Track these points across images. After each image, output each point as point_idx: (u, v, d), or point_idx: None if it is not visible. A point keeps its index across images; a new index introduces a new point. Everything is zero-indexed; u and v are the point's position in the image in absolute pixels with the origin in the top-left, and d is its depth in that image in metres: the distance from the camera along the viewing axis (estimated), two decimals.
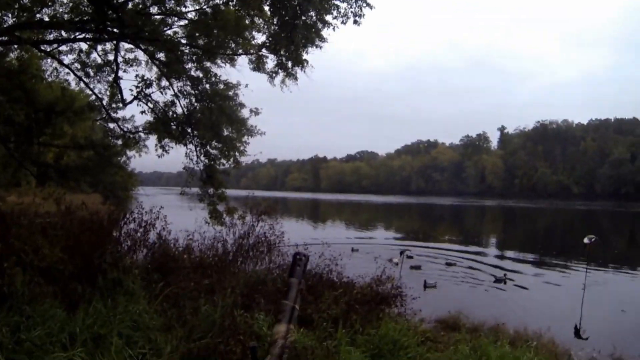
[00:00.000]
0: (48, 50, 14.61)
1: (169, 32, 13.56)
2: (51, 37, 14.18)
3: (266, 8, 12.75)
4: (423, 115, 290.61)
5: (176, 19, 13.54)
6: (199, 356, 5.82)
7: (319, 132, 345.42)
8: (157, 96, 14.56)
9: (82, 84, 15.79)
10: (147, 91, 14.25)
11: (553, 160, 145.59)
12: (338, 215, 79.32)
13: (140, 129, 15.61)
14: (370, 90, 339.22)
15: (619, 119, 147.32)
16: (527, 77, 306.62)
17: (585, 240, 21.92)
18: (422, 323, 11.86)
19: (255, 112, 14.74)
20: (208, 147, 14.91)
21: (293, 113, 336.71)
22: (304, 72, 13.62)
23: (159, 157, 14.83)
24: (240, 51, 13.97)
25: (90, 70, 14.97)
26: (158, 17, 13.42)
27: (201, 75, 14.26)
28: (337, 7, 12.42)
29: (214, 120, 14.16)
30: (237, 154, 14.97)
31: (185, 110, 14.57)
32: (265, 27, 13.43)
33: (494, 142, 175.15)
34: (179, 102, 14.59)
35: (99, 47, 14.91)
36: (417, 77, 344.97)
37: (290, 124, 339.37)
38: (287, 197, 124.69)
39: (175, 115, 14.68)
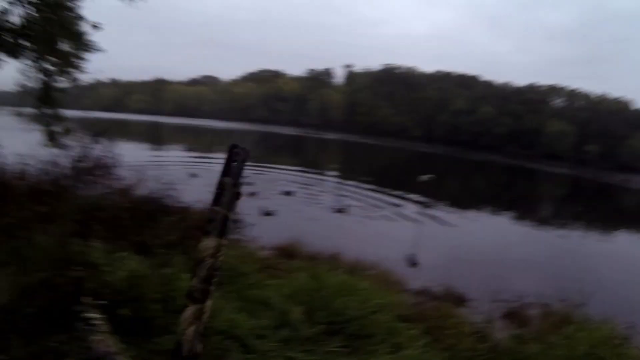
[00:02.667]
0: None
1: None
2: None
3: None
4: (271, 46, 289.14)
5: None
6: (35, 290, 5.58)
7: (165, 54, 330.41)
8: None
9: None
10: None
11: (397, 103, 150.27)
12: (179, 138, 78.05)
13: None
14: (221, 16, 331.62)
15: (462, 74, 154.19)
16: (378, 23, 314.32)
17: (420, 179, 23.32)
18: (261, 250, 12.17)
19: (96, 26, 13.93)
20: (44, 62, 13.99)
21: (140, 32, 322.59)
22: None
23: None
24: None
25: None
26: None
27: None
28: None
29: (52, 32, 13.23)
30: (75, 70, 14.15)
31: (21, 20, 13.50)
32: None
33: (339, 79, 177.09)
34: (15, 10, 13.48)
35: None
36: (269, 9, 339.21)
37: (136, 43, 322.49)
38: (129, 119, 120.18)
39: (9, 25, 13.57)
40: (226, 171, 2.17)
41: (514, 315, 10.68)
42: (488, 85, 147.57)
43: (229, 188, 2.14)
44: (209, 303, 2.13)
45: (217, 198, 2.16)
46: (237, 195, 2.17)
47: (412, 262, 15.50)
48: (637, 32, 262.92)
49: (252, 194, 23.31)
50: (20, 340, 5.00)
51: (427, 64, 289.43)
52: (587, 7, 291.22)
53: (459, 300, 11.70)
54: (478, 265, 16.88)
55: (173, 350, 3.81)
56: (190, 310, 2.11)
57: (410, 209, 26.39)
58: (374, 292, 8.15)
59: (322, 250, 13.18)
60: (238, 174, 2.18)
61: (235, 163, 2.18)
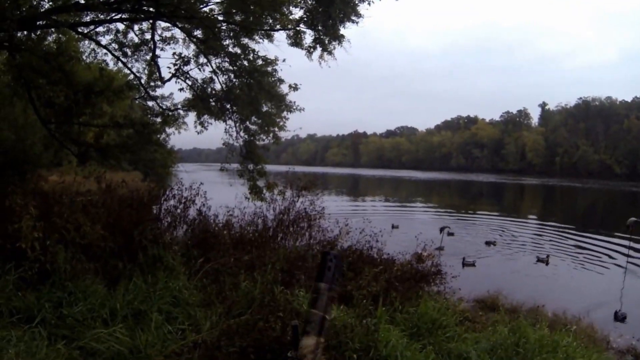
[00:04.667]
0: (85, 32, 14.69)
1: (205, 9, 13.51)
2: (88, 19, 14.22)
3: None
4: (462, 92, 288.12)
5: None
6: (238, 332, 5.81)
7: (359, 108, 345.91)
8: (195, 73, 14.57)
9: (120, 64, 15.90)
10: (185, 68, 14.28)
11: (595, 139, 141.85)
12: (378, 190, 79.14)
13: (179, 106, 15.68)
14: (410, 68, 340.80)
15: None
16: (566, 56, 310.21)
17: (629, 222, 21.43)
18: (461, 302, 11.74)
19: (294, 87, 14.66)
20: (247, 122, 14.90)
21: (334, 90, 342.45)
22: (342, 47, 13.55)
23: (198, 133, 14.88)
24: (277, 26, 13.88)
25: (127, 50, 15.03)
26: None
27: (239, 51, 14.18)
28: None
29: (253, 96, 14.11)
30: (276, 129, 14.93)
31: (223, 86, 14.54)
32: (302, 1, 13.32)
33: (534, 118, 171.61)
34: (217, 78, 14.56)
35: (136, 27, 14.92)
36: (457, 56, 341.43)
37: (330, 100, 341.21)
38: (327, 173, 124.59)
39: (213, 92, 14.68)
40: (321, 276, 2.13)
41: None
42: None
43: (324, 292, 2.09)
44: None
45: (314, 301, 2.11)
46: (332, 299, 2.12)
47: (620, 317, 14.12)
48: None
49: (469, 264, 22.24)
50: None
51: (623, 92, 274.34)
52: None
53: None
54: None
55: None
56: None
57: (618, 256, 24.25)
58: (576, 350, 7.59)
59: (523, 302, 12.55)
60: (332, 279, 2.13)
61: (328, 271, 2.14)
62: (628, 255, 22.55)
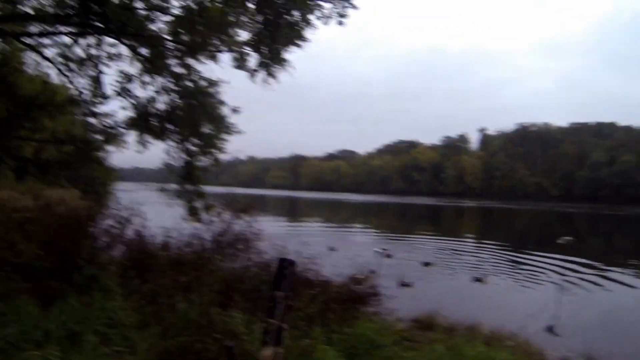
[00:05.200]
0: (30, 43, 14.45)
1: (154, 27, 13.47)
2: (34, 30, 14.02)
3: (251, 5, 12.73)
4: (405, 116, 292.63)
5: (161, 14, 13.45)
6: (174, 354, 5.80)
7: (301, 131, 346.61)
8: (138, 92, 14.46)
9: (63, 78, 15.64)
10: (129, 86, 14.15)
11: (533, 163, 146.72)
12: (317, 212, 79.46)
13: (121, 124, 15.50)
14: (356, 93, 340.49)
15: (599, 122, 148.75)
16: (506, 82, 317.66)
17: (560, 241, 22.26)
18: (399, 322, 11.95)
19: (235, 110, 14.67)
20: (187, 143, 14.83)
21: (277, 111, 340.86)
22: (285, 70, 13.67)
23: (138, 153, 14.73)
24: (223, 48, 13.92)
25: (72, 64, 14.79)
26: (143, 12, 13.32)
27: (184, 71, 14.16)
28: (321, 7, 12.49)
29: (194, 117, 14.07)
30: (216, 151, 14.89)
31: (166, 106, 14.48)
32: (249, 24, 13.39)
33: (474, 143, 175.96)
34: (160, 98, 14.50)
35: (83, 42, 14.76)
36: (401, 80, 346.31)
37: (272, 122, 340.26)
38: (267, 195, 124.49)
39: (156, 111, 14.59)
40: (277, 284, 2.19)
41: None
42: (628, 130, 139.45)
43: (281, 301, 2.15)
44: None
45: (271, 311, 2.17)
46: (289, 307, 2.19)
47: (554, 331, 14.69)
48: None
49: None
50: None
51: (560, 118, 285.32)
52: None
53: None
54: (626, 335, 15.69)
55: None
56: None
57: (552, 273, 25.11)
58: None
59: (461, 321, 12.82)
60: (289, 286, 2.19)
61: (285, 279, 2.20)
62: (562, 274, 23.37)
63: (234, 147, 15.28)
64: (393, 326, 10.60)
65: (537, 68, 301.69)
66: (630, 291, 22.91)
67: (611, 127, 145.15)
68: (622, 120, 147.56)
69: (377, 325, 8.73)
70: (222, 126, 14.63)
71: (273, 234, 17.33)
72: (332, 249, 27.62)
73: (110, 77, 14.36)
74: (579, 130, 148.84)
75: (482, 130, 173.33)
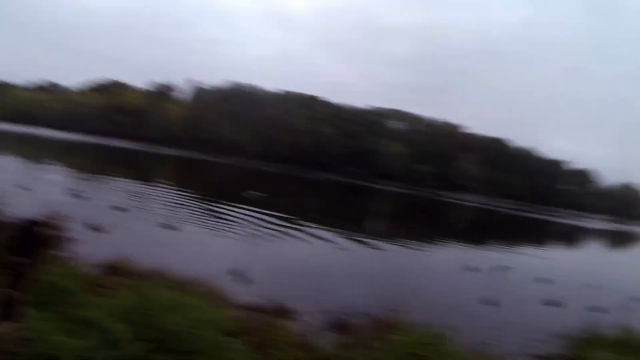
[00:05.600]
0: None
1: None
2: None
3: None
4: (124, 56, 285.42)
5: None
6: None
7: (13, 56, 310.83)
8: None
9: None
10: None
11: (240, 120, 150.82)
12: (11, 148, 73.02)
13: None
14: (79, 23, 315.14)
15: (309, 95, 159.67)
16: (225, 42, 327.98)
17: (248, 194, 23.77)
18: (88, 267, 11.77)
19: None
20: None
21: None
22: None
23: None
24: None
25: None
26: None
27: None
28: None
29: None
30: None
31: None
32: None
33: (184, 94, 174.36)
34: None
35: None
36: (124, 19, 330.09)
37: None
38: None
39: None
40: (22, 249, 2.19)
41: (341, 326, 11.12)
42: (328, 105, 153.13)
43: (24, 268, 2.16)
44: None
45: (13, 279, 2.15)
46: (27, 275, 2.19)
47: (241, 278, 15.61)
48: (470, 66, 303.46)
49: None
50: None
51: (272, 85, 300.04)
52: (426, 40, 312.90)
53: (287, 313, 12.02)
54: (308, 279, 17.52)
55: None
56: None
57: (244, 224, 26.64)
58: (201, 309, 8.21)
59: (153, 267, 13.00)
60: (30, 250, 2.21)
61: (34, 240, 2.21)
62: (253, 224, 24.91)
63: None
64: (82, 271, 10.43)
65: (258, 34, 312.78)
66: (316, 243, 25.47)
67: (313, 100, 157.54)
68: (330, 98, 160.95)
69: (65, 270, 8.49)
70: None
71: None
72: (24, 187, 25.90)
73: None
74: (289, 98, 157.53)
75: (194, 82, 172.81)
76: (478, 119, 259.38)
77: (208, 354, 6.75)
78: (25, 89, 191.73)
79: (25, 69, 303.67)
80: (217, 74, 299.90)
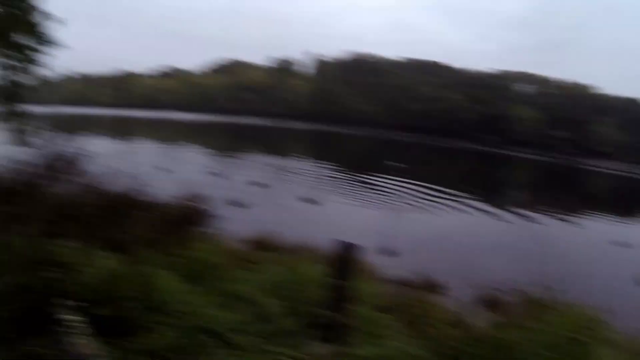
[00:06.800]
0: None
1: None
2: None
3: None
4: (240, 37, 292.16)
5: None
6: (9, 294, 5.41)
7: (131, 48, 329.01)
8: None
9: None
10: None
11: (366, 91, 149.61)
12: (148, 131, 77.09)
13: None
14: (193, 9, 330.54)
15: (433, 62, 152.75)
16: (346, 13, 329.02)
17: (386, 164, 23.51)
18: (241, 243, 12.10)
19: (58, 21, 13.66)
20: (4, 58, 13.66)
21: (107, 28, 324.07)
22: None
23: None
24: None
25: None
26: None
27: None
28: None
29: (9, 26, 12.91)
30: (37, 66, 13.84)
31: None
32: None
33: (307, 68, 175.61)
34: None
35: None
36: (233, 1, 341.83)
37: (102, 38, 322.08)
38: (96, 114, 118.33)
39: None
40: (342, 273, 2.09)
41: (493, 303, 10.76)
42: (452, 71, 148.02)
43: (340, 290, 2.08)
44: None
45: (335, 303, 2.07)
46: (347, 297, 2.09)
47: (389, 251, 15.49)
48: (587, 21, 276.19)
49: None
50: None
51: (390, 54, 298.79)
52: None
53: (437, 288, 11.82)
54: (455, 252, 17.15)
55: None
56: None
57: (384, 195, 26.50)
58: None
59: (297, 241, 13.14)
60: (351, 274, 2.10)
61: (346, 263, 2.10)
62: (395, 196, 24.78)
63: (61, 64, 14.31)
64: (230, 247, 10.70)
65: (370, 3, 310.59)
66: (459, 213, 25.01)
67: (437, 66, 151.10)
68: (453, 64, 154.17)
69: (213, 247, 8.70)
70: (42, 39, 13.60)
71: (104, 154, 16.65)
72: (165, 169, 27.15)
73: None
74: (413, 66, 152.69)
75: (315, 55, 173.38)
76: (606, 77, 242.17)
77: (361, 329, 6.66)
78: (150, 76, 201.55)
79: (147, 57, 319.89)
80: (332, 45, 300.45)
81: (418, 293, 10.03)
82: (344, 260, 2.13)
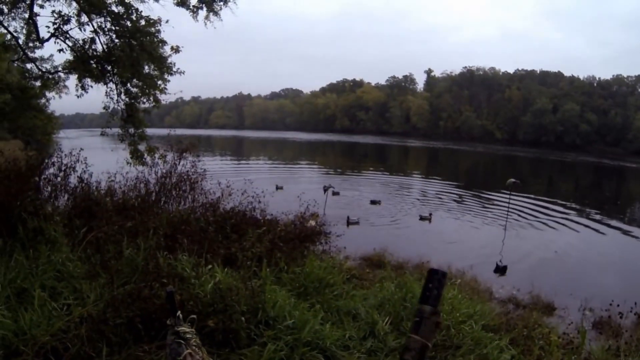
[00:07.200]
0: None
1: None
2: None
3: None
4: (349, 57, 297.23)
5: None
6: (123, 303, 5.67)
7: (245, 71, 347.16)
8: (75, 33, 13.85)
9: None
10: (65, 28, 13.53)
11: (478, 106, 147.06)
12: (262, 151, 78.99)
13: (60, 68, 14.97)
14: (300, 32, 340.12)
15: (544, 71, 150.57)
16: (451, 30, 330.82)
17: (509, 182, 22.85)
18: (347, 260, 12.14)
19: (176, 49, 14.39)
20: (128, 85, 14.50)
21: (222, 53, 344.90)
22: (228, 7, 13.47)
23: (78, 97, 14.27)
24: None
25: (4, 6, 14.13)
26: None
27: (122, 10, 13.72)
28: None
29: (134, 57, 13.69)
30: (157, 92, 14.62)
31: (105, 47, 14.04)
32: None
33: (420, 84, 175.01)
34: (99, 39, 14.01)
35: None
36: (345, 22, 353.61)
37: (216, 62, 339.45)
38: (211, 135, 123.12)
39: (95, 53, 14.12)
40: (424, 297, 2.04)
41: (607, 326, 10.21)
42: (565, 79, 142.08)
43: (428, 316, 2.01)
44: None
45: (416, 326, 2.00)
46: (437, 324, 2.02)
47: (501, 269, 15.12)
48: None
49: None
50: (108, 350, 5.14)
51: (504, 67, 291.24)
52: None
53: (550, 309, 11.35)
54: (571, 272, 16.30)
55: None
56: None
57: (498, 212, 25.76)
58: (461, 301, 8.01)
59: (409, 259, 13.14)
60: (437, 300, 2.04)
61: (435, 290, 2.05)
62: (507, 213, 23.98)
63: (176, 88, 15.03)
64: (342, 264, 10.74)
65: (482, 18, 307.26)
66: (581, 231, 23.78)
67: (556, 75, 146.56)
68: (564, 72, 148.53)
69: (326, 264, 8.75)
70: (163, 66, 14.34)
71: (218, 173, 17.22)
72: (279, 188, 27.72)
73: (45, 19, 13.80)
74: (524, 77, 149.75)
75: (428, 72, 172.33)
76: None
77: (467, 348, 6.52)
78: (266, 98, 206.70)
79: (263, 81, 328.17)
80: (447, 60, 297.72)
81: (530, 313, 9.68)
82: (432, 289, 1.99)
